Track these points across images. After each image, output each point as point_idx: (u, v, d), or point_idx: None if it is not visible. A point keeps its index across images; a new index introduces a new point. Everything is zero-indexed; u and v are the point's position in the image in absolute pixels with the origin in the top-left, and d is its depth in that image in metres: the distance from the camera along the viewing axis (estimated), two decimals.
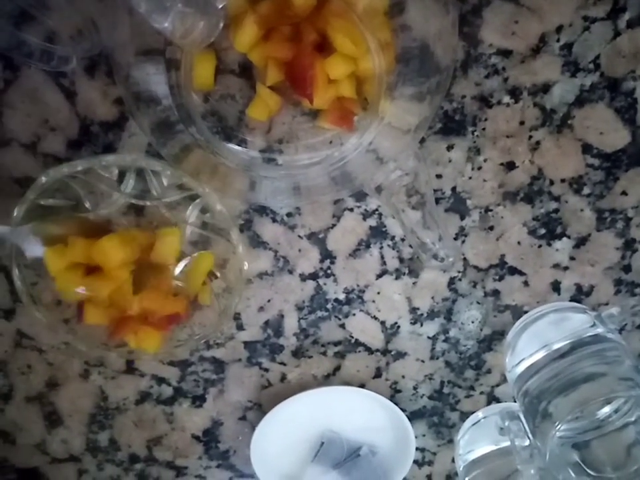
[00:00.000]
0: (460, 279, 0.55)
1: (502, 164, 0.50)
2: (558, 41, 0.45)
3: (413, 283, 0.55)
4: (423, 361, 0.60)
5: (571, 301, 0.56)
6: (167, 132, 0.44)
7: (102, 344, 0.53)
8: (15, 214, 0.46)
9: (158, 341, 0.52)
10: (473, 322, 0.57)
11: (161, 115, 0.44)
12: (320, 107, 0.45)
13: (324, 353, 0.59)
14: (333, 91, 0.44)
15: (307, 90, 0.43)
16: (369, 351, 0.59)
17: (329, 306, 0.56)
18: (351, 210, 0.52)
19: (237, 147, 0.47)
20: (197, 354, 0.59)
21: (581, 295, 0.56)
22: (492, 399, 0.63)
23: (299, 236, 0.53)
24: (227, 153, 0.47)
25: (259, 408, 0.63)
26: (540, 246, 0.53)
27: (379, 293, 0.56)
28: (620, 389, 0.47)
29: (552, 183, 0.50)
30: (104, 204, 0.49)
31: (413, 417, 0.63)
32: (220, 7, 0.36)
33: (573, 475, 0.49)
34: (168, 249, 0.49)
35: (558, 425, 0.47)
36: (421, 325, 0.58)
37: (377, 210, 0.52)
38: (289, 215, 0.52)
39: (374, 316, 0.57)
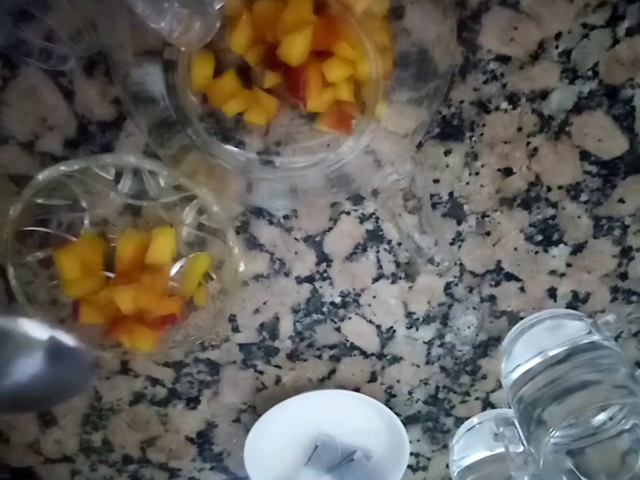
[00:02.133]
0: (456, 284, 0.55)
1: (499, 170, 0.50)
2: (557, 47, 0.45)
3: (409, 288, 0.55)
4: (418, 366, 0.60)
5: (567, 307, 0.56)
6: (164, 133, 0.44)
7: (97, 344, 0.53)
8: (10, 213, 0.46)
9: (152, 341, 0.52)
10: (468, 327, 0.57)
11: (158, 116, 0.43)
12: (315, 109, 0.45)
13: (319, 357, 0.59)
14: (330, 94, 0.44)
15: (300, 93, 0.43)
16: (364, 354, 0.59)
17: (325, 309, 0.56)
18: (348, 213, 0.52)
19: (234, 149, 0.47)
20: (191, 355, 0.58)
21: (577, 301, 0.56)
22: (487, 404, 0.63)
23: (296, 238, 0.53)
24: (224, 154, 0.47)
25: (253, 410, 0.62)
26: (537, 252, 0.53)
27: (374, 297, 0.56)
28: (615, 397, 0.47)
29: (549, 189, 0.50)
30: (101, 204, 0.50)
31: (407, 421, 0.63)
32: (217, 7, 0.36)
33: None
34: (163, 249, 0.48)
35: (552, 431, 0.47)
36: (417, 330, 0.58)
37: (373, 214, 0.52)
38: (285, 217, 0.52)
39: (370, 320, 0.57)
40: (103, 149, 0.48)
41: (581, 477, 0.50)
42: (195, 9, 0.31)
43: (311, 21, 0.40)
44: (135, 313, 0.50)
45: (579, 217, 0.51)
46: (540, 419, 0.48)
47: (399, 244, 0.53)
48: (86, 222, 0.50)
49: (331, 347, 0.59)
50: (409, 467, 0.66)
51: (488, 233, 0.52)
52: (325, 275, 0.55)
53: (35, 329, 0.36)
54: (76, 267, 0.49)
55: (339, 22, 0.41)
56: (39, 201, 0.47)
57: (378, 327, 0.58)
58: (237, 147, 0.47)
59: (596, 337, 0.51)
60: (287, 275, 0.55)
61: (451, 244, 0.53)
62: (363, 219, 0.52)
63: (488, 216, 0.52)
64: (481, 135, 0.48)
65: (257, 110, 0.45)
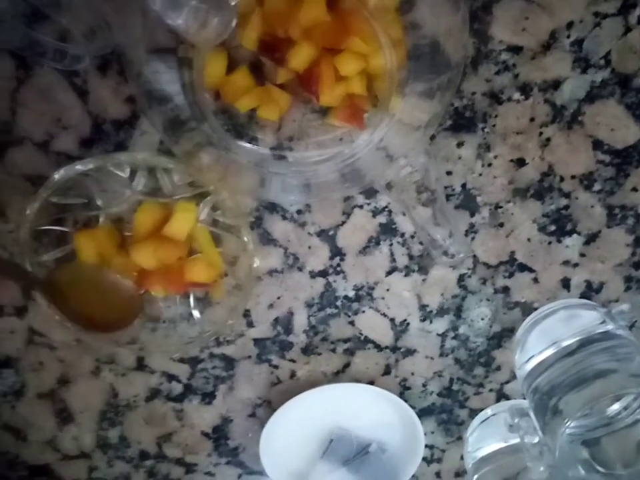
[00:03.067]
0: (470, 276, 0.55)
1: (512, 160, 0.50)
2: (568, 37, 0.45)
3: (423, 280, 0.55)
4: (432, 358, 0.60)
5: (580, 297, 0.56)
6: (178, 129, 0.44)
7: (113, 340, 0.53)
8: (27, 212, 0.47)
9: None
10: (482, 319, 0.57)
11: (173, 113, 0.44)
12: (328, 104, 0.45)
13: (333, 350, 0.59)
14: (342, 88, 0.44)
15: (313, 87, 0.43)
16: (378, 348, 0.59)
17: (339, 303, 0.57)
18: (361, 207, 0.52)
19: (247, 145, 0.47)
20: (206, 351, 0.59)
21: (591, 291, 0.56)
22: (501, 396, 0.63)
23: (309, 233, 0.53)
24: (237, 150, 0.47)
25: (268, 405, 0.63)
26: (550, 243, 0.53)
27: (388, 290, 0.56)
28: (631, 386, 0.47)
29: (562, 179, 0.50)
30: (115, 202, 0.50)
31: (422, 414, 0.63)
32: (233, 3, 0.36)
33: (582, 471, 0.49)
34: (182, 225, 0.48)
35: (568, 421, 0.47)
36: (431, 322, 0.58)
37: (386, 207, 0.52)
38: (298, 212, 0.52)
39: (383, 313, 0.57)
40: (117, 148, 0.48)
41: (597, 467, 0.50)
42: (212, 5, 0.31)
43: (325, 19, 0.41)
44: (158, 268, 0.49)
45: (592, 206, 0.51)
46: (555, 408, 0.48)
47: (412, 237, 0.53)
48: (101, 220, 0.50)
49: (345, 341, 0.59)
50: (424, 459, 0.66)
51: (501, 224, 0.52)
52: (338, 269, 0.55)
53: None
54: (93, 251, 0.49)
55: (352, 16, 0.41)
56: (55, 200, 0.47)
57: (392, 320, 0.58)
58: (250, 142, 0.47)
59: (610, 327, 0.51)
60: (300, 269, 0.55)
61: (464, 236, 0.53)
62: (375, 213, 0.52)
63: (501, 207, 0.52)
64: (494, 126, 0.48)
65: (270, 105, 0.45)
